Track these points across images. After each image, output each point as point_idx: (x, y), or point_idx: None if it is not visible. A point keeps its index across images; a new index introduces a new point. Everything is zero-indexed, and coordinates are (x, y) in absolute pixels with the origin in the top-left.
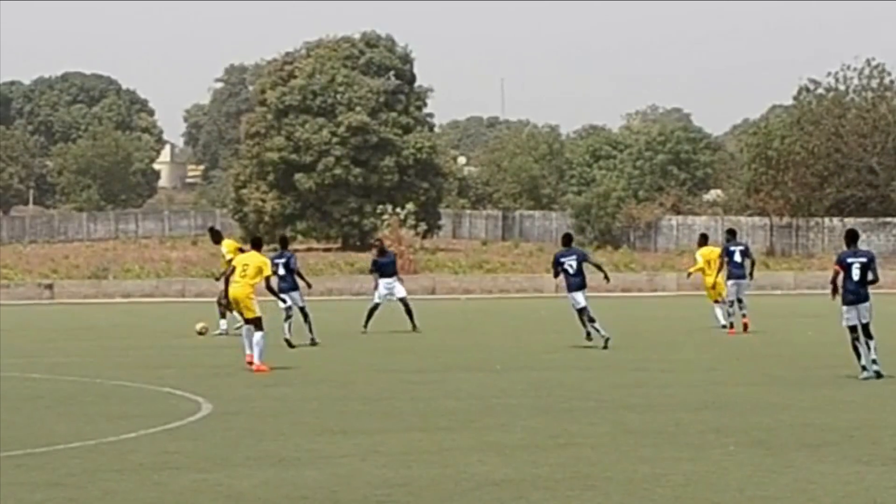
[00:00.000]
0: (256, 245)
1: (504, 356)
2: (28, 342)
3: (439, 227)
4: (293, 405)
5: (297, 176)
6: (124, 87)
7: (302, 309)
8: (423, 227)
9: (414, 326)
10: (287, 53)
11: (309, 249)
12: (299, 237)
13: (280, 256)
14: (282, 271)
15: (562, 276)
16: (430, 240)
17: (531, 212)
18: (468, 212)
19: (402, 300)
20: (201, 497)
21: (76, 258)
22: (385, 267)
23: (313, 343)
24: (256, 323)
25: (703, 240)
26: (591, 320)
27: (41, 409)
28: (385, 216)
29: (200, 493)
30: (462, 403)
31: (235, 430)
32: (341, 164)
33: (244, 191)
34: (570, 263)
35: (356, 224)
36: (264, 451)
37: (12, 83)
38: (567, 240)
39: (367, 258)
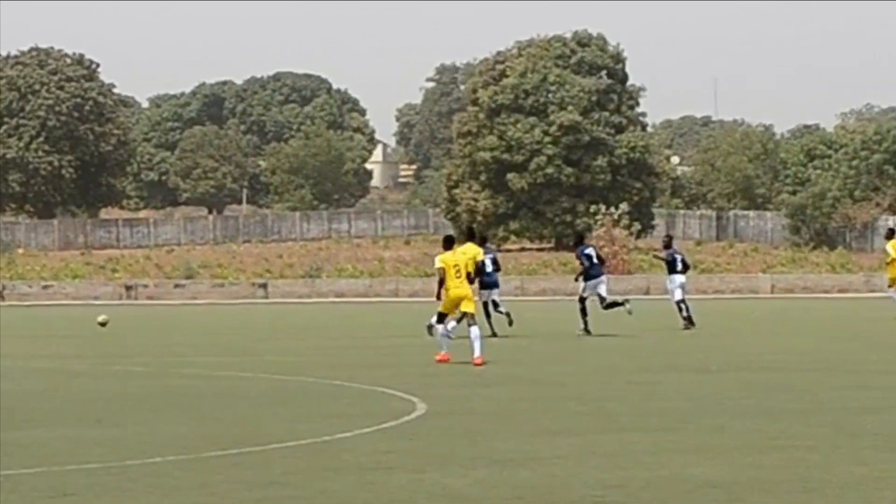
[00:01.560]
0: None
1: (719, 357)
2: (243, 341)
3: (653, 227)
4: (507, 405)
5: (510, 175)
6: (335, 86)
7: (494, 302)
8: (636, 227)
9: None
10: (499, 53)
11: (522, 249)
12: (512, 237)
13: (487, 252)
14: (490, 267)
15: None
16: (643, 240)
17: (745, 212)
18: (682, 212)
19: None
20: (416, 496)
21: (290, 258)
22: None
23: (493, 335)
24: (473, 316)
25: (891, 233)
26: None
27: (256, 407)
28: (598, 216)
29: (415, 492)
30: (677, 404)
31: (450, 430)
32: (553, 164)
33: (456, 190)
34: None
35: (569, 224)
36: (479, 452)
37: (225, 83)
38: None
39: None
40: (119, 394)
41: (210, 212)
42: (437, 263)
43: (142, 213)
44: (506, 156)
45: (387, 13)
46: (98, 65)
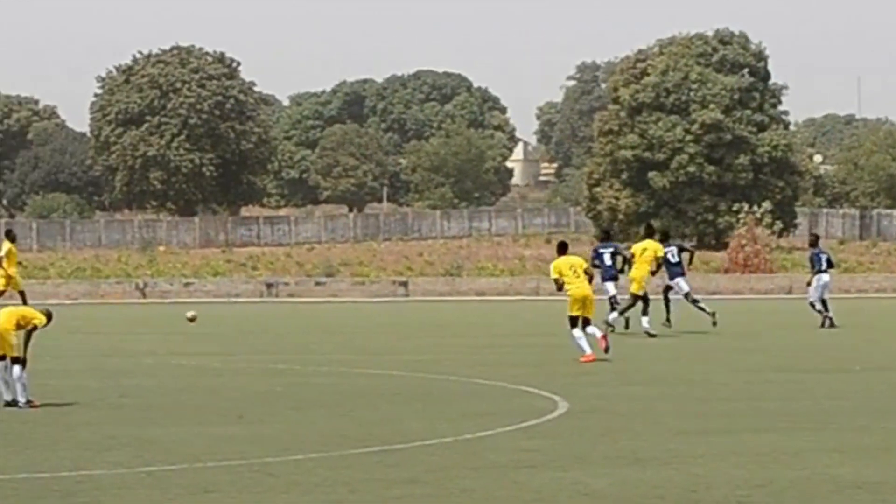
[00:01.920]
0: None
1: (862, 356)
2: (383, 339)
3: (795, 226)
4: (649, 404)
5: (651, 174)
6: (476, 84)
7: (615, 298)
8: (778, 225)
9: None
10: (640, 51)
11: None
12: None
13: (607, 246)
14: (609, 261)
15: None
16: (785, 238)
17: (889, 211)
18: (824, 210)
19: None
20: (559, 495)
21: (430, 256)
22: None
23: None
24: (589, 320)
25: None
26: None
27: (398, 405)
28: (741, 215)
29: (557, 491)
30: (820, 404)
31: (592, 429)
32: (695, 162)
33: (597, 189)
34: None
35: (711, 222)
36: (621, 450)
37: (366, 81)
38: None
39: (722, 257)
40: (260, 391)
41: (350, 210)
42: (552, 273)
43: (282, 211)
44: (647, 154)
45: (528, 11)
46: (239, 63)
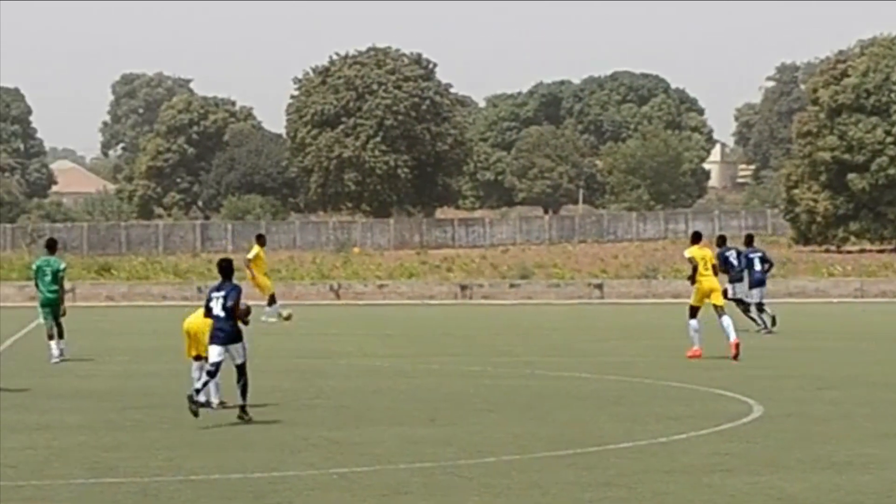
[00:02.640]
0: (697, 240)
1: None
2: (578, 341)
3: None
4: (845, 408)
5: (850, 176)
6: (673, 86)
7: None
8: None
9: None
10: (840, 52)
11: (862, 251)
12: (852, 238)
13: (753, 252)
14: (758, 266)
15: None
16: None
17: None
18: None
19: None
20: (753, 500)
21: (625, 258)
22: None
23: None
24: (723, 308)
25: None
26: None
27: (591, 408)
28: None
29: (752, 496)
30: None
31: (787, 433)
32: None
33: (795, 191)
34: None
35: None
36: (816, 455)
37: (562, 83)
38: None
39: None
40: (453, 393)
41: (545, 211)
42: (687, 254)
43: (477, 213)
44: (846, 156)
45: (724, 13)
46: (436, 65)
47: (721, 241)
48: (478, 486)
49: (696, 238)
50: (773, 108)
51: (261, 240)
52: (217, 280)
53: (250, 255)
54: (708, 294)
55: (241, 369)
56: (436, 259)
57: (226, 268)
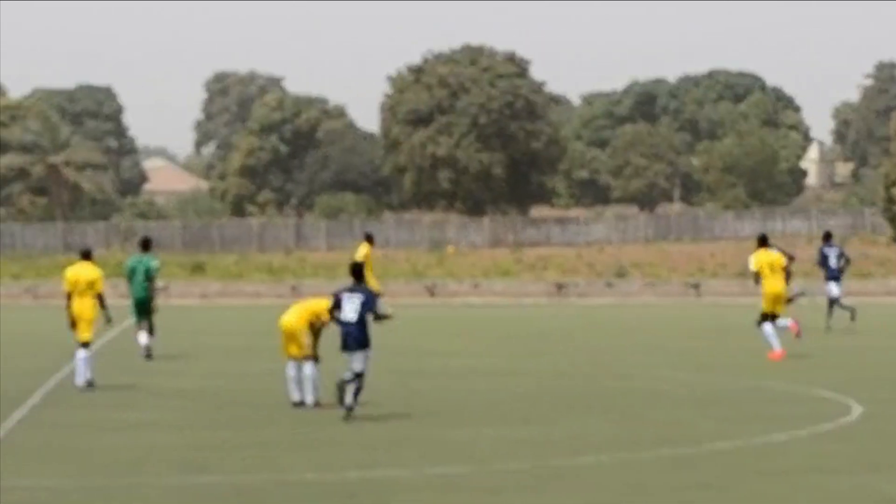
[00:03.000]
0: (763, 243)
1: None
2: (675, 341)
3: None
4: None
5: None
6: (770, 84)
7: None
8: None
9: None
10: None
11: None
12: None
13: (830, 247)
14: (834, 262)
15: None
16: None
17: None
18: None
19: None
20: (853, 502)
21: (722, 257)
22: None
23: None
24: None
25: None
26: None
27: (688, 408)
28: None
29: (853, 498)
30: None
31: (888, 434)
32: None
33: (894, 189)
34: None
35: None
36: None
37: (658, 81)
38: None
39: None
40: (548, 393)
41: (641, 210)
42: (752, 266)
43: (572, 212)
44: None
45: (822, 10)
46: (530, 62)
47: (826, 237)
48: (574, 486)
49: (763, 241)
50: (871, 106)
51: (370, 239)
52: (330, 283)
53: (359, 256)
54: (775, 299)
55: (359, 376)
56: (530, 258)
57: (358, 272)
